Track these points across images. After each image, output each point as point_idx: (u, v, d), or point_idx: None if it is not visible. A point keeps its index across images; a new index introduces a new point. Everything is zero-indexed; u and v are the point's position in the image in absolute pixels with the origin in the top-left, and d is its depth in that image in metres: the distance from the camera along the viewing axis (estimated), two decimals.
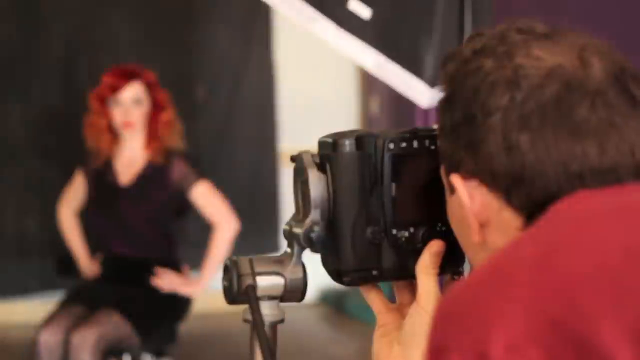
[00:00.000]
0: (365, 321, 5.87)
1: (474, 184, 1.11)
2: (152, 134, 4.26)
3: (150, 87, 4.27)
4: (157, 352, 4.35)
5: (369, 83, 6.45)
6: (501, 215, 1.10)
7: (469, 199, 1.11)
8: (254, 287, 1.25)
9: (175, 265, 4.31)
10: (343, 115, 6.62)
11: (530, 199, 1.07)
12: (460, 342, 0.94)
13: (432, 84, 2.97)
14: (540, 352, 0.91)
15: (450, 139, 1.14)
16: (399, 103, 5.50)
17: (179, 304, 4.28)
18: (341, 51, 2.90)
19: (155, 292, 4.20)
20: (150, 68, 4.38)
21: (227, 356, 5.39)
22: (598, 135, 1.06)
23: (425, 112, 5.19)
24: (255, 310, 1.21)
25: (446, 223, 1.32)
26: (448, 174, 1.15)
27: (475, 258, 1.17)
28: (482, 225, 1.12)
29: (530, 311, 0.93)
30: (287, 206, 5.90)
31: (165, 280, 4.21)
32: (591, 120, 1.06)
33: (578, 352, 0.91)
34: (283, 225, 1.32)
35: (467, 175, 1.12)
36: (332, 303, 6.40)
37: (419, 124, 5.59)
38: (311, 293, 6.56)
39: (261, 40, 6.32)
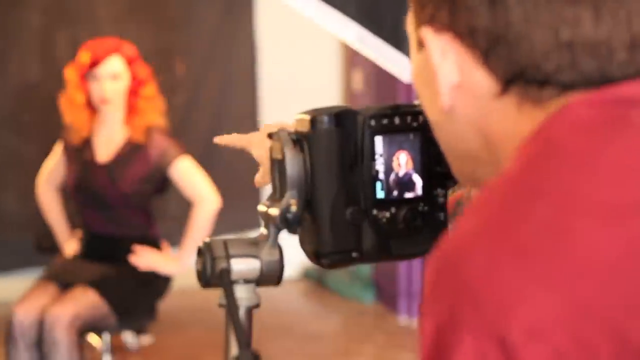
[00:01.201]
0: (346, 296, 5.86)
1: (446, 38, 0.96)
2: (132, 109, 4.18)
3: (129, 62, 4.18)
4: (137, 329, 4.31)
5: (352, 58, 6.40)
6: (474, 77, 0.96)
7: (440, 56, 0.97)
8: (228, 270, 1.21)
9: (154, 243, 4.26)
10: (325, 90, 6.58)
11: (510, 64, 0.94)
12: (474, 322, 0.82)
13: None
14: (567, 339, 0.80)
15: None
16: (383, 78, 5.46)
17: (158, 282, 4.23)
18: (323, 25, 2.85)
19: (134, 270, 4.15)
20: (130, 43, 4.31)
21: (207, 332, 5.36)
22: None
23: (408, 86, 5.17)
24: (229, 295, 1.16)
25: (429, 203, 1.28)
26: (417, 26, 1.00)
27: (440, 130, 1.03)
28: (451, 88, 0.98)
29: (554, 291, 0.81)
30: None
31: (144, 259, 4.16)
32: None
33: (614, 343, 0.80)
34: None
35: (439, 28, 0.97)
36: (314, 278, 6.40)
37: (401, 98, 5.56)
38: (293, 269, 6.50)
39: (243, 15, 6.27)
